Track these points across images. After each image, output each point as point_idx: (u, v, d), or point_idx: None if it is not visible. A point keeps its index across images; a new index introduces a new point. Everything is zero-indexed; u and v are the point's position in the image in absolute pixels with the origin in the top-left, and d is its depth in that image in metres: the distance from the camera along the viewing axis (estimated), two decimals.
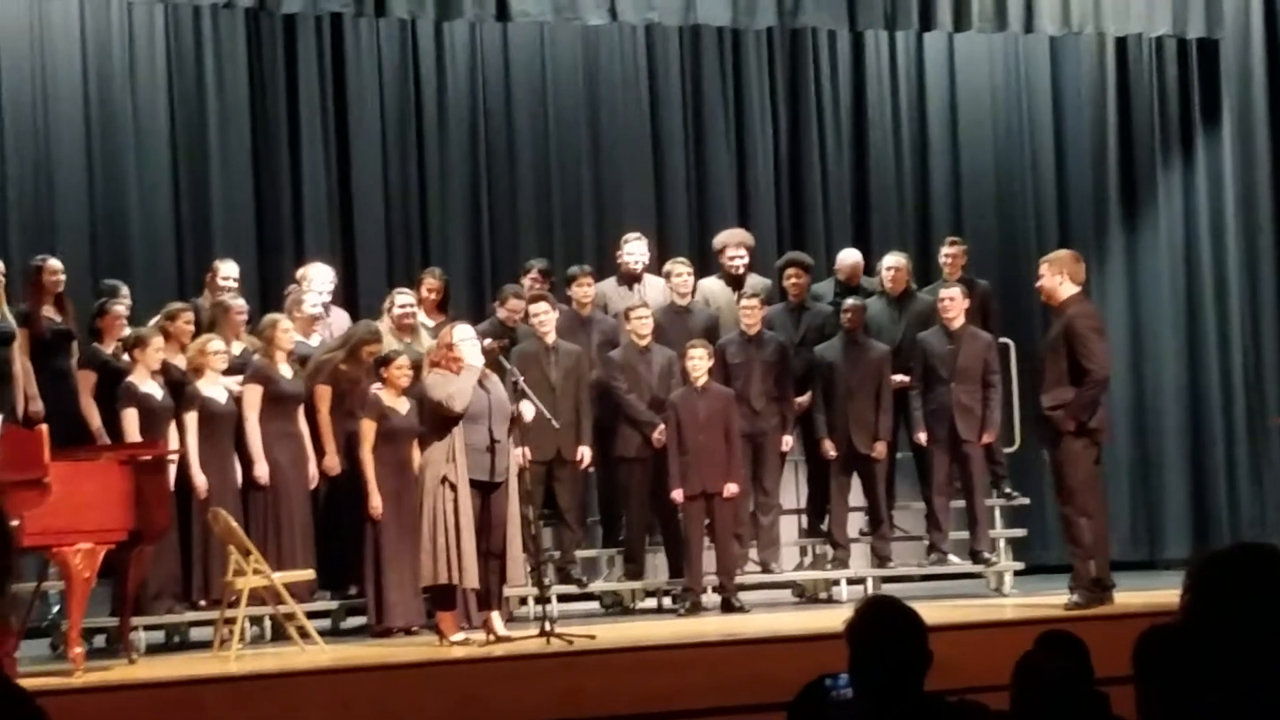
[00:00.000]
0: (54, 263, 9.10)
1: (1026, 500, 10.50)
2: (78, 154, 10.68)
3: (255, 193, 11.15)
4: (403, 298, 9.58)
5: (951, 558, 10.10)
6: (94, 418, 8.69)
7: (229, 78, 11.06)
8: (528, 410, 8.43)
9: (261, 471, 8.88)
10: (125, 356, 8.76)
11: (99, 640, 8.76)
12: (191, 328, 9.11)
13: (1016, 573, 10.07)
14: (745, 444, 9.66)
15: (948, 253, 10.56)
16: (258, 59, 11.19)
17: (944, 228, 12.08)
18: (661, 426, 9.51)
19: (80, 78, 10.71)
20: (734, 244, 10.45)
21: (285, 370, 9.07)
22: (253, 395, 8.94)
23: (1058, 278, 8.53)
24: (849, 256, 10.81)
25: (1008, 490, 10.44)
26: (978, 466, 9.92)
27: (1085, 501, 8.54)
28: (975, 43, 12.26)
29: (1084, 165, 12.45)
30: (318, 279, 9.76)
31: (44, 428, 7.79)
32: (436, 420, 8.33)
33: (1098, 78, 12.35)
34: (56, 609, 8.79)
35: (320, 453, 9.10)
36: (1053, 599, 8.89)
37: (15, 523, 7.45)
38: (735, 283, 10.29)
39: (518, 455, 8.52)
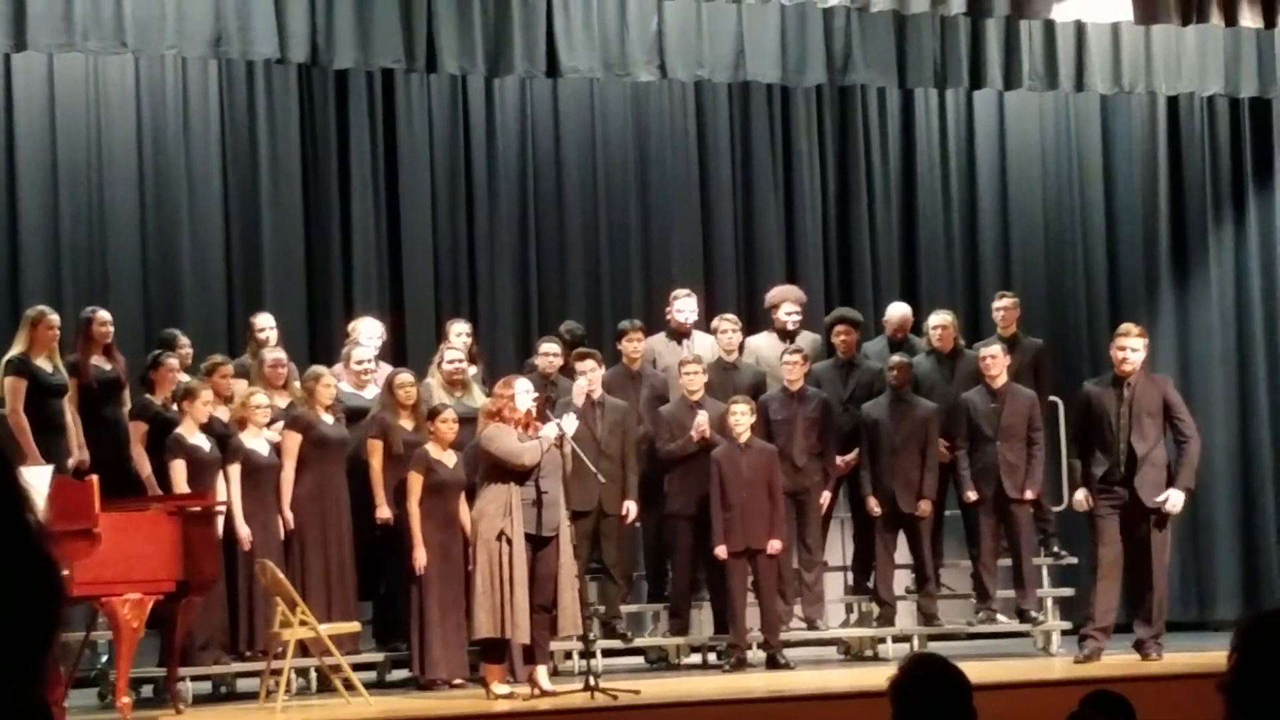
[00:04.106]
0: (103, 314, 9.18)
1: (1075, 560, 10.40)
2: (131, 207, 10.79)
3: (306, 247, 11.22)
4: (452, 353, 9.62)
5: (999, 616, 10.03)
6: (145, 467, 8.76)
7: (281, 133, 11.16)
8: (550, 430, 8.41)
9: (287, 518, 8.93)
10: (175, 408, 8.83)
11: (147, 690, 8.79)
12: (231, 380, 9.18)
13: (1064, 632, 9.98)
14: (788, 501, 9.64)
15: (1000, 306, 10.52)
16: (309, 114, 11.28)
17: (993, 285, 12.04)
18: (701, 418, 9.46)
19: (135, 132, 10.82)
20: (789, 300, 10.48)
21: (327, 419, 9.11)
22: (291, 443, 8.99)
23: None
24: (897, 310, 10.80)
25: (1056, 549, 10.37)
26: (1024, 525, 9.87)
27: None
28: (1026, 101, 12.25)
29: (1135, 223, 12.39)
30: (366, 332, 9.83)
31: (94, 478, 7.85)
32: (491, 471, 8.36)
33: (1149, 136, 12.31)
34: (105, 658, 8.82)
35: (372, 505, 9.13)
36: (1109, 660, 8.86)
37: (65, 573, 7.50)
38: (788, 339, 10.31)
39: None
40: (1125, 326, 9.34)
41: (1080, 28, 11.17)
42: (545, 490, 8.34)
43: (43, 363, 8.71)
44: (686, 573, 9.75)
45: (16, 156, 10.54)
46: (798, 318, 10.40)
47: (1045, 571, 10.26)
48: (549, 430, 8.39)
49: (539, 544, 8.34)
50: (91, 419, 8.88)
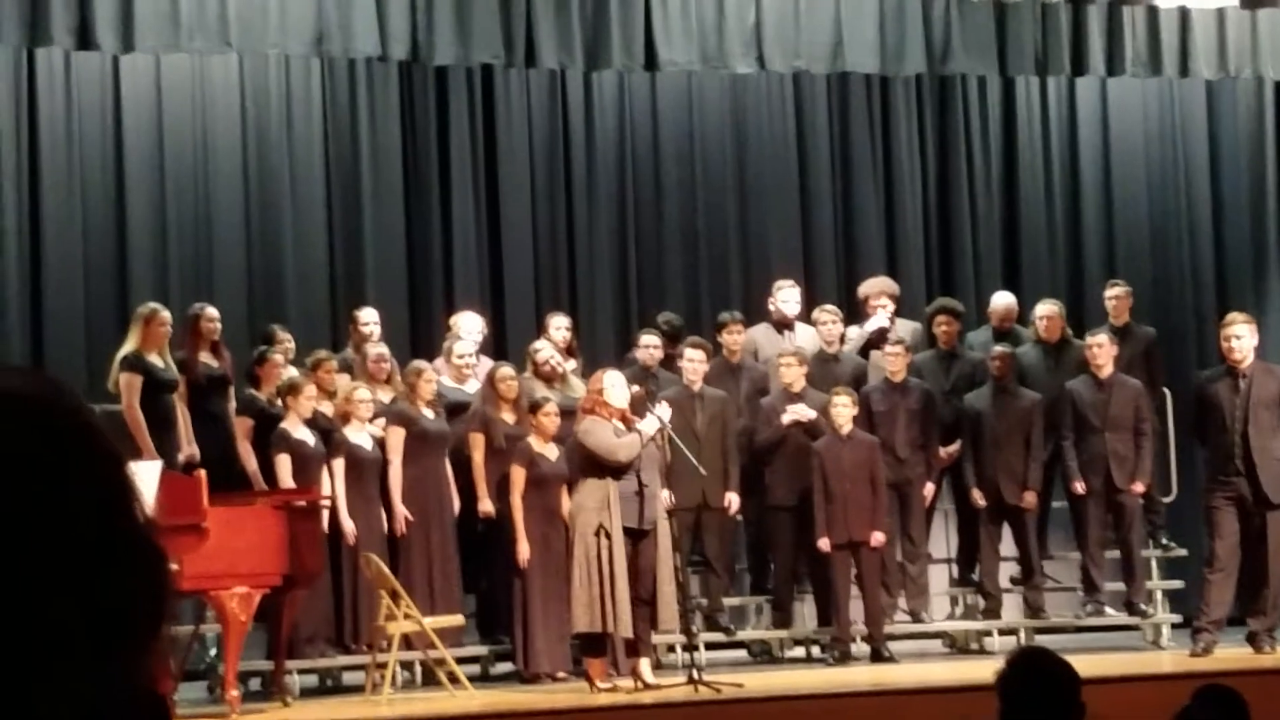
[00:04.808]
0: (211, 310, 9.31)
1: (1184, 552, 10.26)
2: (236, 205, 10.92)
3: (407, 242, 11.31)
4: (544, 352, 9.60)
5: (1107, 609, 9.91)
6: (250, 462, 8.86)
7: (382, 129, 11.25)
8: (650, 425, 8.38)
9: (400, 513, 8.98)
10: (279, 403, 8.93)
11: (254, 683, 8.88)
12: (334, 375, 9.26)
13: (1174, 625, 9.84)
14: (891, 493, 9.58)
15: (1112, 295, 10.39)
16: (410, 110, 11.37)
17: (1097, 275, 11.90)
18: (796, 407, 9.44)
19: (239, 131, 10.95)
20: (875, 294, 10.42)
21: (428, 413, 9.16)
22: (395, 438, 9.04)
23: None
24: (1002, 299, 10.69)
25: (1165, 541, 10.23)
26: (1133, 516, 9.74)
27: None
28: (1129, 87, 12.08)
29: (1242, 210, 12.20)
30: (466, 327, 9.89)
31: (202, 473, 7.96)
32: (589, 466, 8.37)
33: (1256, 121, 12.11)
34: (214, 652, 8.93)
35: (474, 499, 9.18)
36: (1221, 653, 8.73)
37: (174, 566, 7.60)
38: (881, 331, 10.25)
39: (665, 498, 8.55)
40: (1231, 315, 9.22)
41: (1184, 12, 11.01)
42: (646, 483, 8.35)
43: (155, 359, 8.83)
44: (788, 565, 9.72)
45: (125, 157, 10.70)
46: (890, 310, 10.33)
47: (1154, 564, 10.12)
48: (648, 425, 8.38)
49: (638, 537, 8.35)
50: (199, 414, 9.01)
